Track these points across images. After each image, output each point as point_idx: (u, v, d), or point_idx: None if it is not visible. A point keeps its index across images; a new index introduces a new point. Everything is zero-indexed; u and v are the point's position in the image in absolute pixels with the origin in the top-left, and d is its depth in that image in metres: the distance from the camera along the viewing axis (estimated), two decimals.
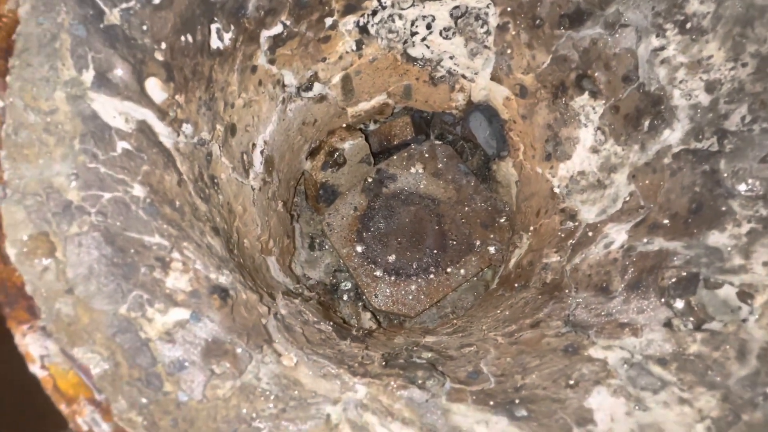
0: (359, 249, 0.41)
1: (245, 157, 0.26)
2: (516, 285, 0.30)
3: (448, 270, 0.40)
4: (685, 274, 0.16)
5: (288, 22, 0.24)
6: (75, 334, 0.11)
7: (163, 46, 0.17)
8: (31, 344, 0.11)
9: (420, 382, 0.16)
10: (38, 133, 0.13)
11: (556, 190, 0.29)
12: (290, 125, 0.31)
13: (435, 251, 0.40)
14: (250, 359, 0.14)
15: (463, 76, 0.33)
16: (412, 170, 0.43)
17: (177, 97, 0.18)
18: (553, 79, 0.27)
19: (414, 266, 0.40)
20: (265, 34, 0.23)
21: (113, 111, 0.15)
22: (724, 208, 0.16)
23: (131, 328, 0.12)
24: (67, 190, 0.13)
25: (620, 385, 0.14)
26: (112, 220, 0.13)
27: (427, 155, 0.43)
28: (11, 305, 0.11)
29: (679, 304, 0.16)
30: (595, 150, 0.26)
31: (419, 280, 0.40)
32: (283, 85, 0.28)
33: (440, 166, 0.43)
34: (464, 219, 0.41)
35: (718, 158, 0.17)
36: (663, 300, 0.16)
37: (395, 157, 0.43)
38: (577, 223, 0.26)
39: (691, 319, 0.15)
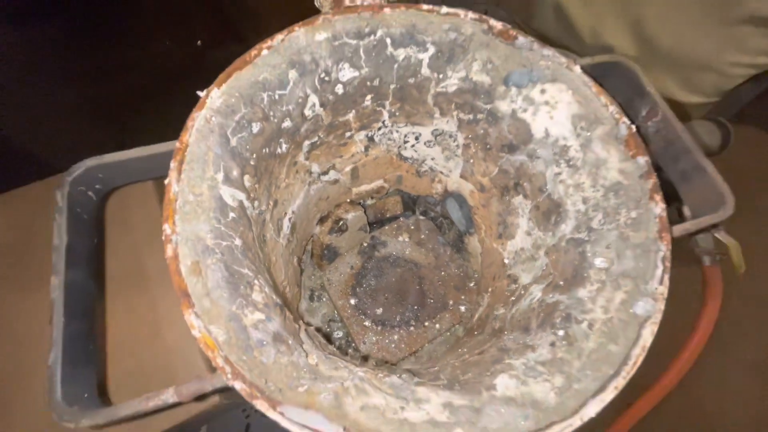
0: (352, 301, 0.51)
1: (279, 222, 0.38)
2: (475, 333, 0.40)
3: (426, 324, 0.50)
4: (565, 315, 0.27)
5: (322, 136, 0.37)
6: (210, 318, 0.22)
7: (255, 156, 0.29)
8: (191, 320, 0.21)
9: (398, 375, 0.26)
10: (193, 206, 0.25)
11: (506, 261, 0.41)
12: (311, 200, 0.43)
13: (416, 307, 0.51)
14: (296, 348, 0.24)
15: (441, 173, 0.47)
16: (400, 239, 0.55)
17: (255, 185, 0.30)
18: (500, 182, 0.40)
19: (398, 319, 0.50)
20: (306, 143, 0.36)
21: (229, 195, 0.27)
22: (585, 275, 0.28)
23: (237, 319, 0.22)
24: (206, 239, 0.24)
25: (516, 375, 0.24)
26: (226, 257, 0.24)
27: (412, 227, 0.55)
28: (184, 297, 0.21)
29: (561, 333, 0.27)
30: (528, 233, 0.38)
31: (401, 331, 0.49)
32: (311, 173, 0.41)
33: (423, 237, 0.55)
34: (441, 282, 0.52)
35: (587, 244, 0.30)
36: (552, 331, 0.27)
37: (387, 228, 0.55)
38: (517, 285, 0.38)
39: (564, 342, 0.26)
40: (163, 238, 0.23)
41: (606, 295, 0.26)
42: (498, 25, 0.32)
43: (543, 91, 0.32)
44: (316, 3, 0.32)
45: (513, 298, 0.36)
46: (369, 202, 0.55)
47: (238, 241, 0.25)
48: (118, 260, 0.44)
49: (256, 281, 0.25)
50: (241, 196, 0.27)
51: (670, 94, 0.81)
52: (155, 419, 0.40)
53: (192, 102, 0.27)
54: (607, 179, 0.29)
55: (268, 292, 0.25)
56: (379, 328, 0.49)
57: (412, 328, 0.50)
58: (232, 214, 0.26)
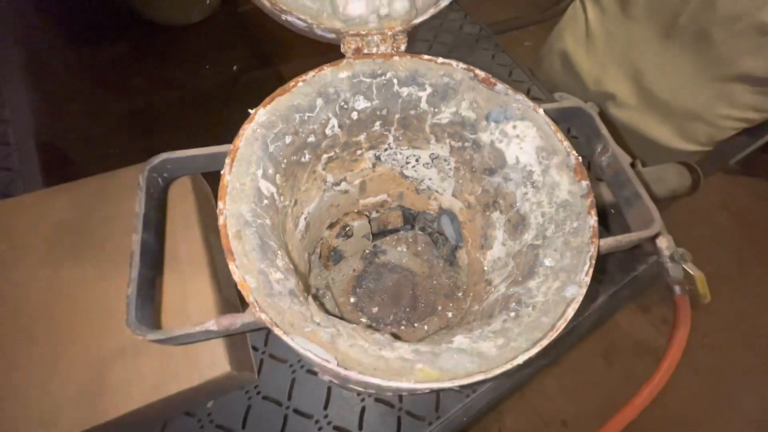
0: (352, 300, 0.59)
1: (297, 219, 0.48)
2: (454, 329, 0.48)
3: (416, 325, 0.58)
4: (517, 300, 0.36)
5: (338, 151, 0.47)
6: (246, 270, 0.31)
7: (285, 161, 0.40)
8: (234, 269, 0.30)
9: (381, 334, 0.34)
10: (239, 192, 0.35)
11: (485, 269, 0.50)
12: (324, 205, 0.53)
13: (408, 309, 0.59)
14: (304, 305, 0.33)
15: (437, 191, 0.57)
16: (399, 249, 0.64)
17: (283, 183, 0.40)
18: (483, 200, 0.49)
19: (391, 318, 0.58)
20: (325, 156, 0.47)
21: (265, 187, 0.36)
22: (536, 271, 0.37)
23: (265, 273, 0.32)
24: (246, 216, 0.34)
25: (470, 337, 0.32)
26: (260, 231, 0.34)
27: (411, 240, 0.65)
28: (229, 254, 0.31)
29: (512, 314, 0.35)
30: (503, 244, 0.47)
31: (393, 329, 0.57)
32: (326, 182, 0.51)
33: (419, 248, 0.64)
34: (432, 290, 0.61)
35: (540, 248, 0.38)
36: (506, 312, 0.36)
37: (388, 238, 0.64)
38: (491, 286, 0.46)
39: (513, 318, 0.34)
40: (218, 211, 0.32)
41: (548, 285, 0.34)
42: (482, 74, 0.43)
43: (515, 127, 0.42)
44: (341, 49, 0.43)
45: (485, 296, 0.45)
46: (374, 214, 0.65)
47: (268, 222, 0.35)
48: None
49: (279, 252, 0.34)
50: (273, 189, 0.37)
51: (666, 141, 0.89)
52: (175, 380, 0.48)
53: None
54: (559, 198, 0.39)
55: (287, 261, 0.35)
56: (374, 324, 0.58)
57: (402, 327, 0.58)
58: (265, 201, 0.36)
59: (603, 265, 0.66)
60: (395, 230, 0.66)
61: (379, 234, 0.65)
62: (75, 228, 0.55)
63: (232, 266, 0.30)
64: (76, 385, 0.46)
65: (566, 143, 0.39)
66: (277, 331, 0.28)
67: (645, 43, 0.83)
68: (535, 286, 0.35)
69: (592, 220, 0.35)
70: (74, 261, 0.52)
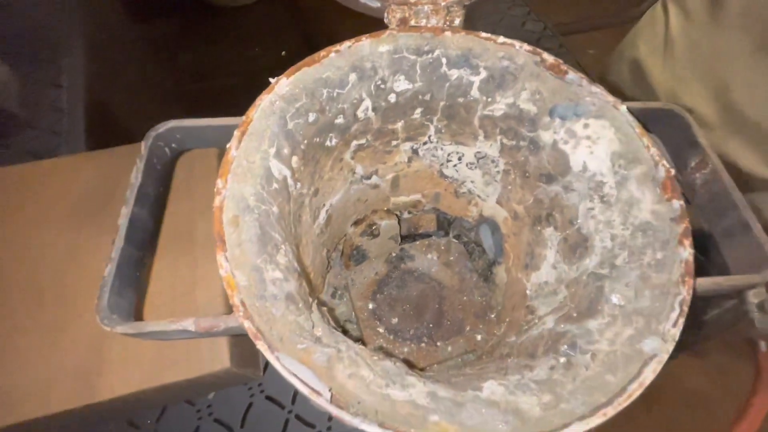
0: (371, 306, 0.52)
1: (317, 211, 0.41)
2: (483, 357, 0.40)
3: (438, 344, 0.50)
4: (570, 343, 0.27)
5: (370, 139, 0.41)
6: (237, 264, 0.25)
7: (305, 141, 0.33)
8: (221, 261, 0.24)
9: (392, 362, 0.27)
10: (245, 170, 0.29)
11: (528, 292, 0.41)
12: (349, 199, 0.47)
13: (431, 325, 0.51)
14: (303, 313, 0.27)
15: (478, 196, 0.48)
16: (429, 256, 0.56)
17: (301, 167, 0.34)
18: (533, 212, 0.40)
19: (411, 332, 0.51)
20: (354, 143, 0.40)
21: (276, 168, 0.30)
22: (600, 308, 0.28)
23: (259, 270, 0.25)
24: (249, 199, 0.28)
25: (505, 384, 0.24)
26: (262, 218, 0.28)
27: (443, 248, 0.57)
28: (219, 242, 0.25)
29: (563, 359, 0.27)
30: (554, 266, 0.38)
31: (412, 345, 0.50)
32: (354, 173, 0.44)
33: (451, 258, 0.56)
34: (461, 306, 0.53)
35: (606, 280, 0.29)
36: (554, 356, 0.27)
37: (417, 243, 0.57)
38: (534, 316, 0.37)
39: (563, 368, 0.26)
40: (215, 190, 0.27)
41: (615, 329, 0.26)
42: (550, 58, 0.34)
43: (586, 126, 0.33)
44: (385, 20, 0.36)
45: (526, 328, 0.36)
46: (405, 215, 0.58)
47: (275, 209, 0.29)
48: (174, 221, 0.50)
49: (282, 246, 0.28)
50: (287, 172, 0.31)
51: (752, 168, 0.76)
52: (173, 369, 0.44)
53: None
54: (638, 218, 0.29)
55: (291, 258, 0.28)
56: (391, 337, 0.50)
57: (423, 345, 0.50)
58: (275, 185, 0.30)
59: None
60: (427, 235, 0.58)
61: (409, 237, 0.58)
62: (100, 196, 0.52)
63: (220, 258, 0.24)
64: (74, 359, 0.43)
65: (654, 151, 0.30)
66: (259, 345, 0.22)
67: (735, 54, 0.71)
68: (597, 329, 0.26)
69: (686, 252, 0.26)
70: (93, 229, 0.50)
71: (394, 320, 0.51)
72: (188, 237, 0.50)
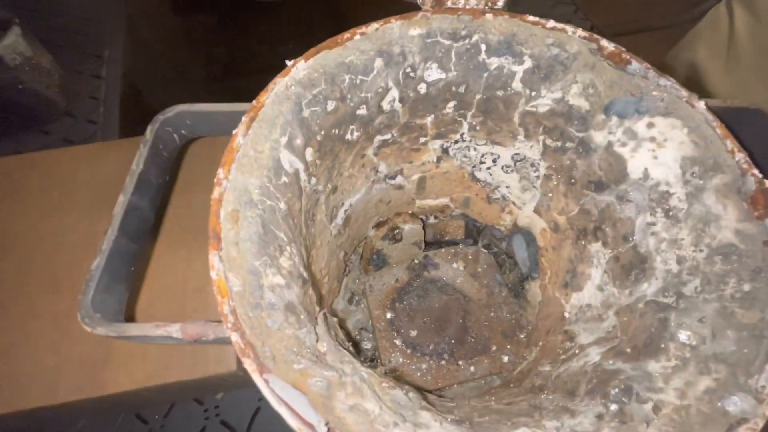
0: (389, 315, 0.48)
1: (334, 210, 0.38)
2: (511, 385, 0.35)
3: (459, 362, 0.45)
4: (624, 387, 0.22)
5: (395, 134, 0.37)
6: (232, 266, 0.22)
7: (323, 132, 0.30)
8: (214, 262, 0.21)
9: (404, 392, 0.23)
10: (251, 161, 0.25)
11: (566, 315, 0.35)
12: (371, 199, 0.43)
13: (453, 341, 0.46)
14: (305, 325, 0.23)
15: (513, 203, 0.43)
16: (454, 266, 0.51)
17: (317, 161, 0.30)
18: (578, 224, 0.35)
19: (430, 347, 0.46)
20: (378, 138, 0.36)
21: (287, 160, 0.27)
22: (663, 346, 0.22)
23: (257, 274, 0.22)
24: (252, 193, 0.24)
25: None
26: (267, 215, 0.24)
27: (470, 257, 0.52)
28: (214, 239, 0.21)
29: (614, 407, 0.21)
30: (600, 288, 0.32)
31: (431, 362, 0.45)
32: (377, 171, 0.40)
33: (479, 270, 0.51)
34: (488, 322, 0.47)
35: (672, 311, 0.24)
36: (603, 401, 0.22)
37: (443, 250, 0.52)
38: (573, 344, 0.32)
39: (616, 419, 0.21)
40: (215, 180, 0.23)
41: (686, 377, 0.20)
42: (610, 46, 0.29)
43: (651, 125, 0.27)
44: (418, 1, 0.32)
45: (564, 357, 0.31)
46: (431, 220, 0.53)
47: (282, 205, 0.25)
48: (190, 213, 0.47)
49: (287, 248, 0.24)
50: (299, 165, 0.28)
51: None
52: (178, 368, 0.42)
53: None
54: (716, 239, 0.24)
55: (297, 262, 0.25)
56: (409, 351, 0.46)
57: (443, 362, 0.45)
58: (284, 179, 0.26)
59: None
60: (453, 242, 0.53)
61: (434, 244, 0.53)
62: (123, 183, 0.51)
63: (213, 257, 0.21)
64: (83, 350, 0.42)
65: (741, 156, 0.24)
66: (246, 363, 0.18)
67: None
68: (661, 373, 0.21)
69: None
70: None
71: (413, 333, 0.47)
72: (203, 231, 0.47)
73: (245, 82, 0.79)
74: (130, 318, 0.26)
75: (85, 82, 0.76)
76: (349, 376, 0.21)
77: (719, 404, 0.18)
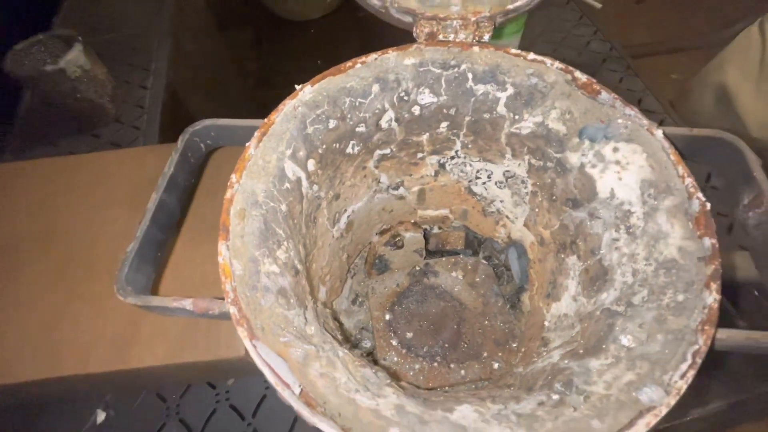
0: (387, 317, 0.52)
1: (337, 215, 0.43)
2: (486, 382, 0.38)
3: (451, 366, 0.48)
4: (567, 380, 0.25)
5: (394, 149, 0.41)
6: (236, 254, 0.27)
7: (324, 146, 0.35)
8: (222, 249, 0.26)
9: (374, 371, 0.27)
10: (259, 169, 0.31)
11: (546, 323, 0.39)
12: (373, 207, 0.47)
13: (446, 345, 0.50)
14: (294, 308, 0.28)
15: (507, 217, 0.47)
16: (453, 274, 0.55)
17: (318, 170, 0.35)
18: (559, 238, 0.38)
19: (424, 350, 0.50)
20: (378, 152, 0.41)
21: (290, 169, 0.32)
22: (605, 347, 0.26)
23: (256, 262, 0.27)
24: (258, 195, 0.30)
25: (481, 412, 0.23)
26: (269, 215, 0.30)
27: (469, 267, 0.55)
28: (223, 231, 0.27)
29: (555, 397, 0.25)
30: (575, 299, 0.35)
31: (424, 363, 0.49)
32: (378, 182, 0.45)
33: (477, 280, 0.54)
34: (481, 330, 0.51)
35: (619, 318, 0.27)
36: (547, 392, 0.25)
37: (444, 259, 0.56)
38: (546, 348, 0.35)
39: (551, 405, 0.24)
40: (228, 183, 0.29)
41: (615, 372, 0.23)
42: (583, 77, 0.33)
43: (616, 150, 0.31)
44: (414, 34, 0.37)
45: (535, 360, 0.34)
46: (435, 230, 0.57)
47: (283, 207, 0.31)
48: (200, 213, 0.54)
49: (284, 243, 0.30)
50: (301, 174, 0.33)
51: None
52: (193, 350, 0.48)
53: None
54: (662, 254, 0.27)
55: (292, 255, 0.30)
56: (404, 351, 0.50)
57: (435, 364, 0.49)
58: (287, 185, 0.32)
59: (727, 360, 0.48)
60: (454, 252, 0.57)
61: (435, 253, 0.57)
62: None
63: (221, 246, 0.26)
64: (114, 328, 0.49)
65: (689, 181, 0.27)
66: (240, 330, 0.24)
67: None
68: (597, 369, 0.24)
69: (711, 297, 0.23)
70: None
71: (409, 335, 0.51)
72: (209, 232, 0.54)
73: (274, 94, 0.87)
74: (154, 294, 0.31)
75: (133, 92, 0.87)
76: (327, 352, 0.26)
77: (634, 394, 0.22)
